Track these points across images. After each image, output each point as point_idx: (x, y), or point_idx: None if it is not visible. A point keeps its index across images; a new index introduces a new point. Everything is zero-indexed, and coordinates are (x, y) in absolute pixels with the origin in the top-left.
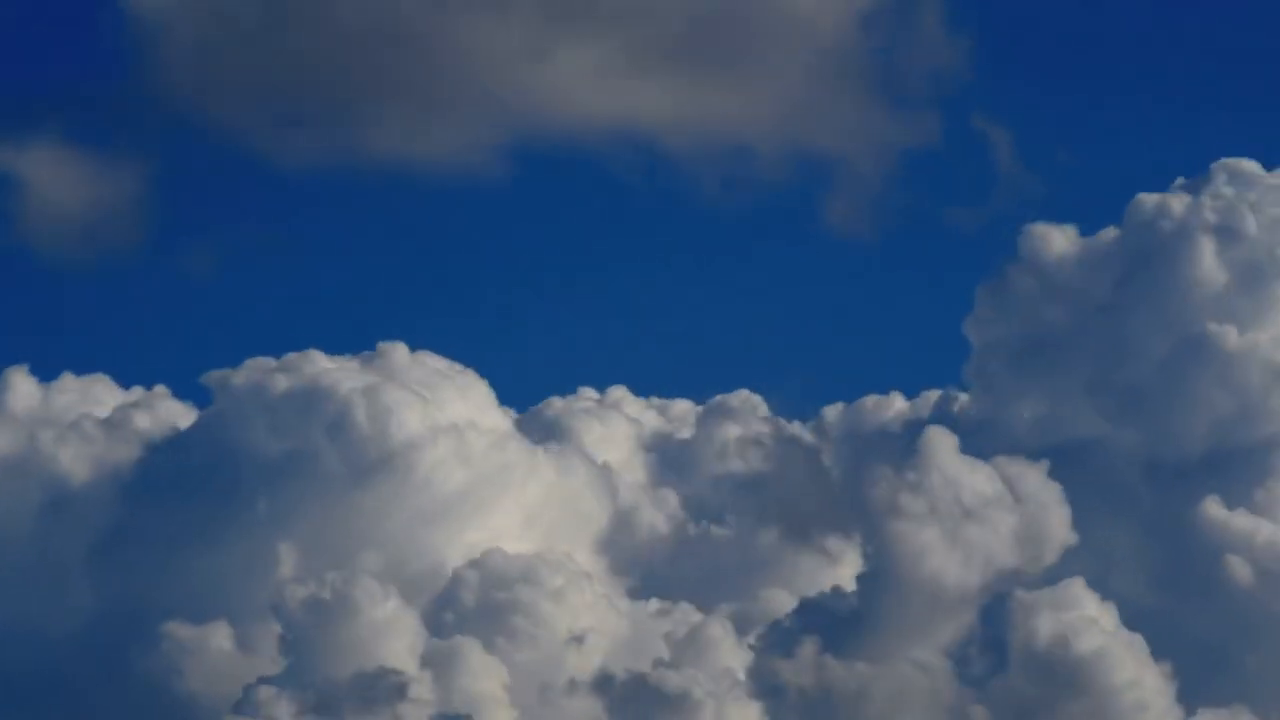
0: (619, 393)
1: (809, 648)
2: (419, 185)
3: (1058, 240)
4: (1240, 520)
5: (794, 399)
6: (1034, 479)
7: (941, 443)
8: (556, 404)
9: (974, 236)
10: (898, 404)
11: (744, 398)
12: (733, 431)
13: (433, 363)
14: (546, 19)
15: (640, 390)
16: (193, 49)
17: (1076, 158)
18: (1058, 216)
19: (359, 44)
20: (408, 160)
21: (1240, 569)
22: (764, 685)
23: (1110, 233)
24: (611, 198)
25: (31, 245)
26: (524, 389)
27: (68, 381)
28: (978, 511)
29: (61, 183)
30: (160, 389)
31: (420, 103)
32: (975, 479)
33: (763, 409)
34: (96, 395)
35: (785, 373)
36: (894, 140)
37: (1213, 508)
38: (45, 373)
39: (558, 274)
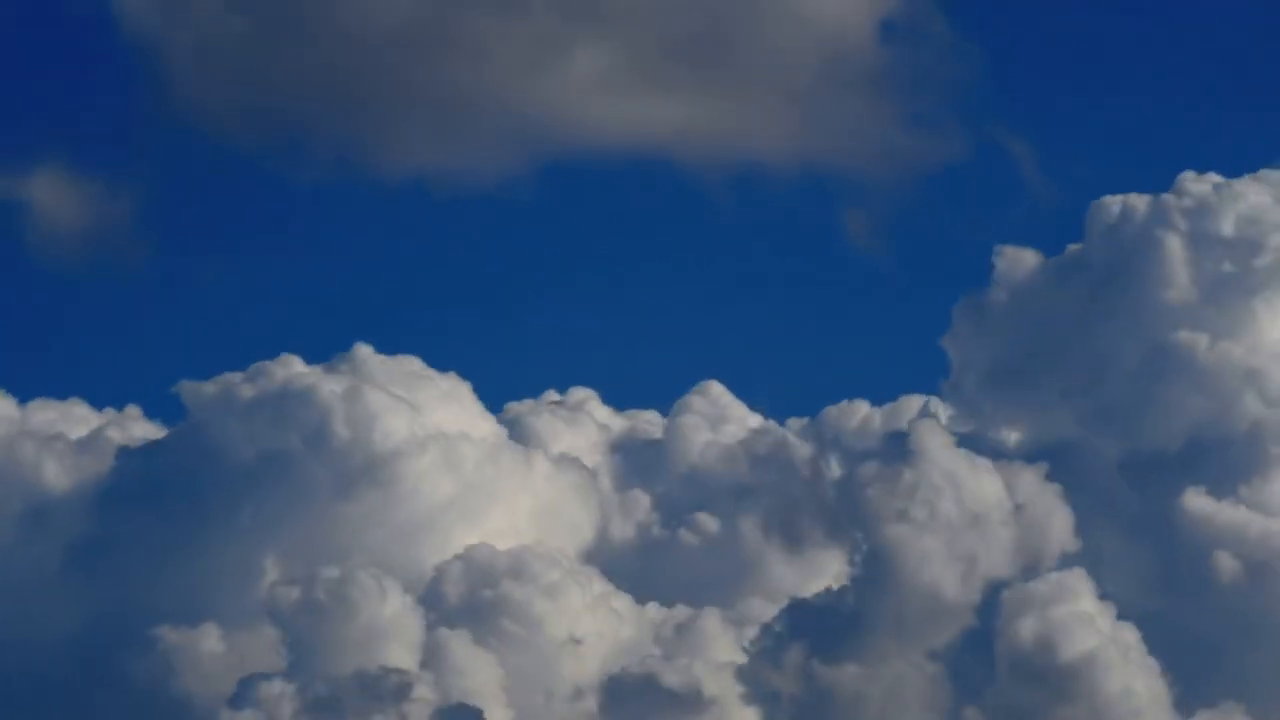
0: (590, 396)
1: (799, 651)
2: (425, 196)
3: (1030, 260)
4: (1228, 513)
5: (793, 403)
6: (1030, 480)
7: (934, 440)
8: (551, 405)
9: (986, 247)
10: (885, 411)
11: (730, 399)
12: (721, 433)
13: (410, 366)
14: (558, 26)
15: (629, 397)
16: (192, 64)
17: (1092, 168)
18: (1069, 225)
19: (359, 52)
20: (413, 171)
21: (1229, 564)
22: (758, 688)
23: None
24: (620, 207)
25: (36, 267)
26: (520, 392)
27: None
28: (974, 512)
29: (66, 205)
30: (132, 409)
31: (425, 113)
32: (971, 478)
33: (751, 413)
34: (76, 415)
35: (785, 377)
36: (908, 152)
37: (1197, 501)
38: (24, 393)
39: (560, 280)
